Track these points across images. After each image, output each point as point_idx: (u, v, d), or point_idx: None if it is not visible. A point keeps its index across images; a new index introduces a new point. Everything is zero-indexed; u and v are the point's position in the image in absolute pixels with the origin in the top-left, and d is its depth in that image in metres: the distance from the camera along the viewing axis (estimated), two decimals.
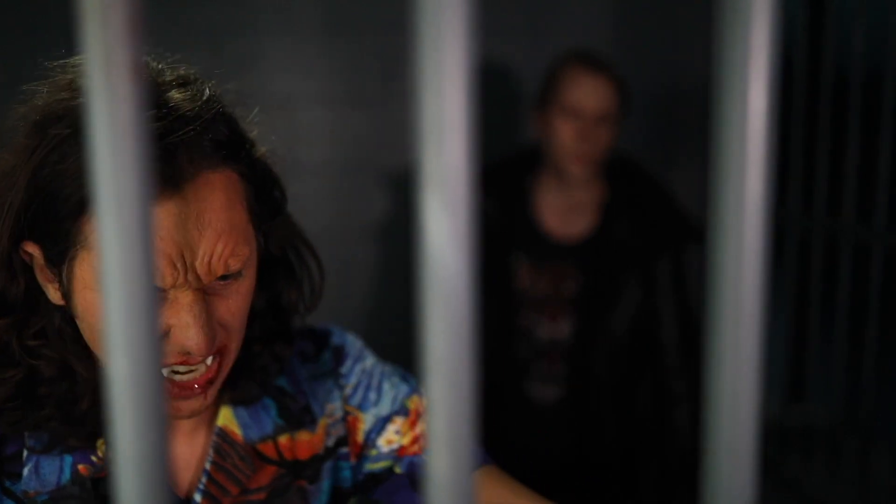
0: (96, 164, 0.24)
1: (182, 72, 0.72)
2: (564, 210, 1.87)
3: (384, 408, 0.86)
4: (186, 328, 0.65)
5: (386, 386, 0.87)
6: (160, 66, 0.71)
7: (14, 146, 0.67)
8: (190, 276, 0.64)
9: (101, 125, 0.23)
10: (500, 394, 1.85)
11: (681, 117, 2.43)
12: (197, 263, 0.64)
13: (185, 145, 0.63)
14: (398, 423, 0.85)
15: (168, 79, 0.68)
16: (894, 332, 2.09)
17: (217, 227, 0.65)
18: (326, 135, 2.30)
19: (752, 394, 0.28)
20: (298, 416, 0.83)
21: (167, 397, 0.68)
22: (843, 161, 2.10)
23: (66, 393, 0.71)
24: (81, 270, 0.64)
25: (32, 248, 0.67)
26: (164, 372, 0.67)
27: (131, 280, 0.24)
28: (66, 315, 0.69)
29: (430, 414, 0.22)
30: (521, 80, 2.37)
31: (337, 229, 2.33)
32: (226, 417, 0.80)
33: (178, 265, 0.63)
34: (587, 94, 1.76)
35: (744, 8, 0.26)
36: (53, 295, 0.68)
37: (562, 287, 1.83)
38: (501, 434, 1.84)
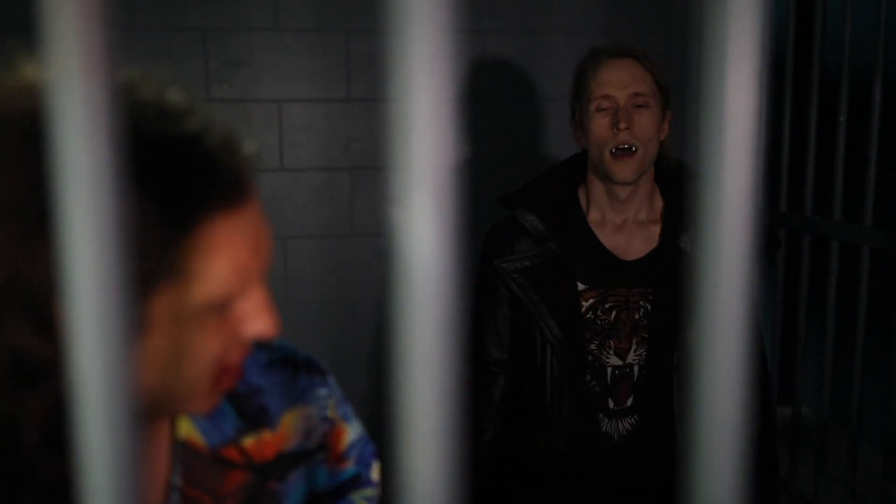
0: (63, 168, 0.23)
1: (155, 82, 0.67)
2: (622, 226, 1.68)
3: (357, 426, 0.91)
4: (265, 316, 0.67)
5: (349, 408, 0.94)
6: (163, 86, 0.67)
7: None
8: (266, 264, 0.68)
9: (70, 124, 0.23)
10: (573, 430, 1.65)
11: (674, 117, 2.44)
12: (267, 250, 0.68)
13: (234, 148, 0.65)
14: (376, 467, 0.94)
15: (178, 98, 0.66)
16: (883, 332, 2.11)
17: (264, 215, 0.69)
18: (318, 135, 2.30)
19: (737, 396, 0.28)
20: (256, 416, 0.83)
21: (209, 395, 0.68)
22: (831, 160, 2.11)
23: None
24: (166, 302, 0.60)
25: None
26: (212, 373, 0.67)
27: (106, 287, 0.24)
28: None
29: (408, 412, 0.23)
30: (514, 76, 2.37)
31: (329, 229, 2.33)
32: (186, 428, 0.79)
33: (262, 256, 0.66)
34: (615, 78, 1.59)
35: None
36: None
37: (631, 311, 1.64)
38: (575, 470, 1.67)
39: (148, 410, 0.68)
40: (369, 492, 0.91)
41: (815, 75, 2.16)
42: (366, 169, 2.33)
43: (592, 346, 1.64)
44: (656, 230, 1.67)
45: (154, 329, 0.61)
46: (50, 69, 0.21)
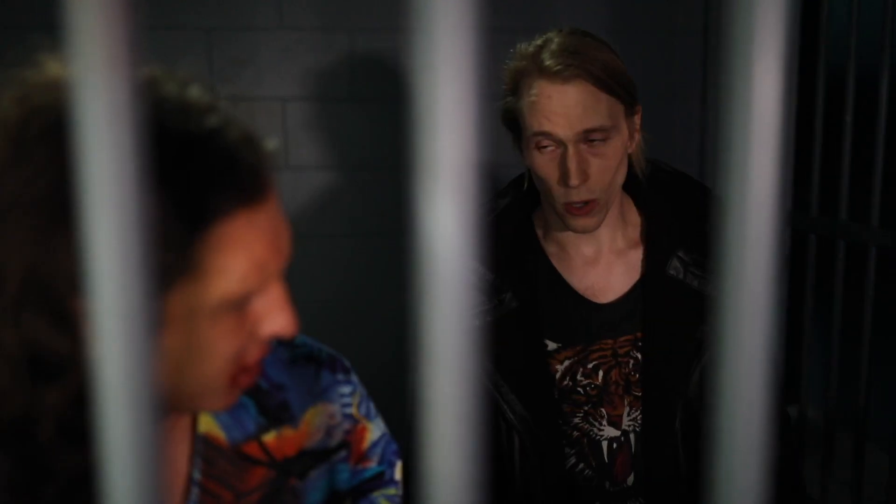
0: (86, 163, 0.23)
1: (177, 78, 0.68)
2: (596, 260, 1.29)
3: (380, 425, 0.91)
4: (283, 314, 0.67)
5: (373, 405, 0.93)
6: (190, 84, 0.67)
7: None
8: (285, 262, 0.68)
9: (93, 118, 0.22)
10: None
11: (677, 116, 2.44)
12: (286, 247, 0.68)
13: (254, 145, 0.65)
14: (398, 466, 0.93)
15: (179, 88, 0.65)
16: (889, 332, 2.10)
17: (283, 212, 0.69)
18: (322, 133, 2.30)
19: (760, 396, 0.28)
20: (277, 413, 0.83)
21: (228, 392, 0.69)
22: (837, 159, 2.11)
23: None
24: (183, 298, 0.60)
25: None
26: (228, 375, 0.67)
27: (128, 283, 0.24)
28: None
29: (430, 404, 0.22)
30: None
31: (333, 228, 2.33)
32: (206, 423, 0.79)
33: (281, 253, 0.67)
34: (558, 112, 1.14)
35: None
36: None
37: (622, 366, 1.27)
38: None
39: (165, 407, 0.68)
40: (392, 491, 0.90)
41: (821, 74, 2.15)
42: (369, 168, 2.32)
43: (576, 420, 1.26)
44: (637, 256, 1.29)
45: (170, 326, 0.61)
46: (74, 65, 0.21)
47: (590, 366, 1.26)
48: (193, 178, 0.58)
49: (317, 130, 2.29)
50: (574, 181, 1.15)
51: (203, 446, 0.78)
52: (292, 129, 2.27)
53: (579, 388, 1.26)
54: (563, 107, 1.14)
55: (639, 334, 1.27)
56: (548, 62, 1.16)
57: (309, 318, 2.33)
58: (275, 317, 0.67)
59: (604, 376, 1.26)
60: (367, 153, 2.32)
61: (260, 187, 0.63)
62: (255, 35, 2.23)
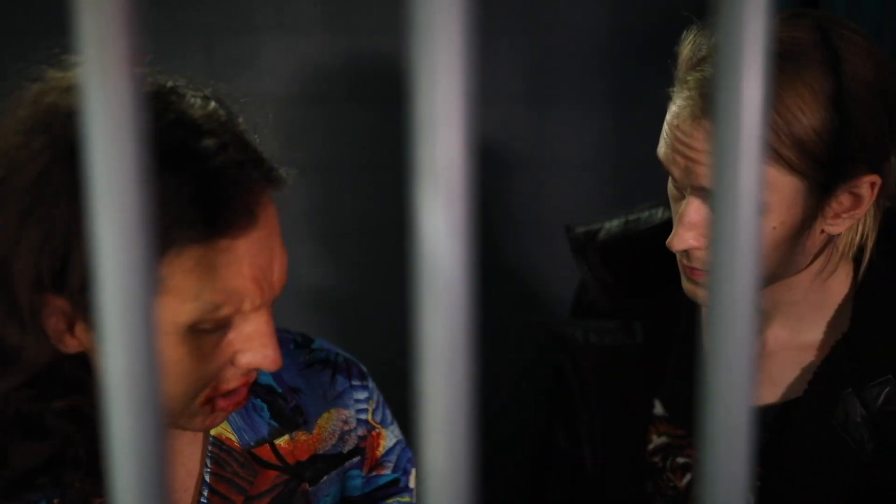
0: (92, 163, 0.23)
1: (202, 92, 0.69)
2: (761, 343, 0.93)
3: (396, 432, 0.90)
4: (263, 347, 0.65)
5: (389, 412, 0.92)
6: (181, 85, 0.66)
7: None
8: (269, 295, 0.65)
9: (98, 120, 0.23)
10: None
11: None
12: (274, 280, 0.66)
13: (248, 172, 0.64)
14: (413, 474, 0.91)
15: (198, 102, 0.65)
16: None
17: (280, 241, 0.68)
18: (321, 134, 2.30)
19: (747, 386, 0.28)
20: (291, 417, 0.82)
21: (207, 415, 0.68)
22: None
23: (92, 446, 0.65)
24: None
25: (58, 300, 0.60)
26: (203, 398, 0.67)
27: (131, 282, 0.24)
28: (80, 363, 0.65)
29: (425, 407, 0.22)
30: (514, 76, 2.37)
31: (333, 229, 2.33)
32: (220, 427, 0.79)
33: (264, 286, 0.64)
34: (676, 150, 0.83)
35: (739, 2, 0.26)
36: (72, 343, 0.63)
37: None
38: None
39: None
40: (406, 499, 0.89)
41: None
42: (369, 169, 2.33)
43: None
44: (811, 367, 0.89)
45: None
46: (81, 69, 0.21)
47: (679, 461, 0.95)
48: (172, 196, 0.57)
49: (317, 130, 2.30)
50: (678, 244, 0.83)
51: (215, 449, 0.78)
52: (292, 129, 2.28)
53: (664, 477, 0.96)
54: (686, 148, 0.81)
55: (760, 468, 0.89)
56: (691, 80, 0.82)
57: (308, 319, 2.34)
58: (253, 349, 0.65)
59: (688, 484, 0.95)
60: (367, 153, 2.32)
61: (245, 216, 0.62)
62: (255, 35, 2.23)
